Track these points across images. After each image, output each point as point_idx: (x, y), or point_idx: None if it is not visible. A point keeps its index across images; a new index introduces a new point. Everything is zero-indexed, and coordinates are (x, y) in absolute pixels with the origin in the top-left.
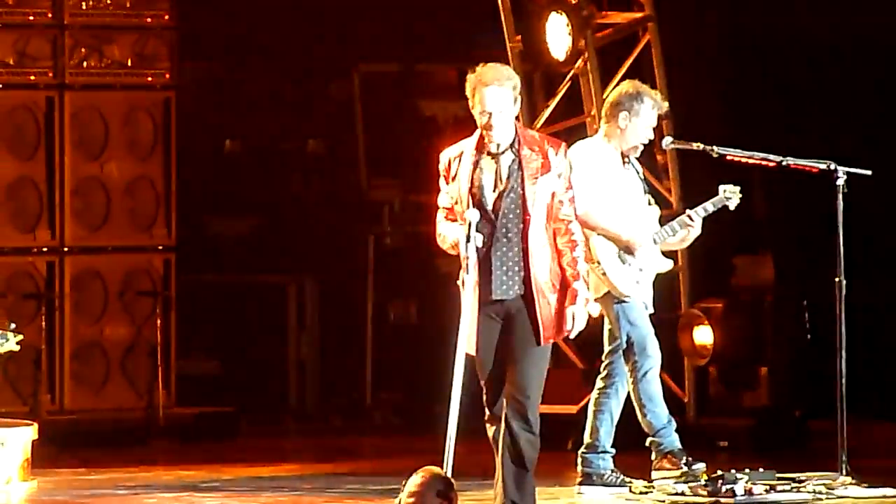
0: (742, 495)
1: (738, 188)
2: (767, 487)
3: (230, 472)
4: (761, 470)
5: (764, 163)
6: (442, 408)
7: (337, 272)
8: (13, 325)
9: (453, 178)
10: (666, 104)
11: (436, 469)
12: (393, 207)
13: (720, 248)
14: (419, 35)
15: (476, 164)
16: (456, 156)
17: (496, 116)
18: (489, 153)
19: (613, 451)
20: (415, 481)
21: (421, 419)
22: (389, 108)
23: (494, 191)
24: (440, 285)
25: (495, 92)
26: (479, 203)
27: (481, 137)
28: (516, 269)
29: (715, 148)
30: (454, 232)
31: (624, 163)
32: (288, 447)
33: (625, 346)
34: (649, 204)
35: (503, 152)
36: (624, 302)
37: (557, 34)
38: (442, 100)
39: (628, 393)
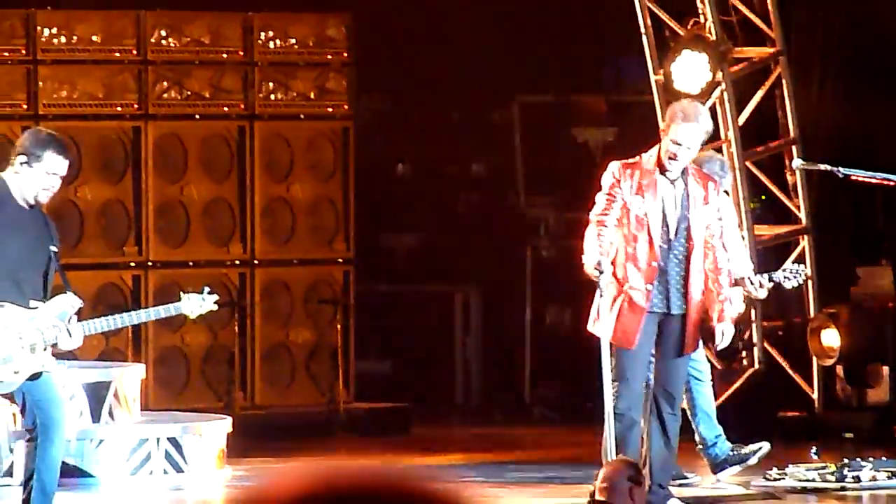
0: (866, 481)
1: (805, 270)
2: (889, 474)
3: (403, 461)
4: (884, 459)
5: (885, 182)
6: (595, 402)
7: (498, 281)
8: (207, 289)
9: (639, 189)
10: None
11: (625, 458)
12: (548, 223)
13: (844, 259)
14: (572, 68)
15: (655, 185)
16: (628, 172)
17: (684, 151)
18: (668, 179)
19: (720, 434)
20: (607, 469)
21: (576, 413)
22: (545, 135)
23: (673, 214)
24: (591, 292)
25: (692, 129)
26: (660, 222)
27: (659, 161)
28: (681, 287)
29: (840, 169)
30: (593, 255)
31: None
32: (455, 439)
33: None
34: None
35: (675, 180)
36: None
37: (697, 67)
38: (592, 127)
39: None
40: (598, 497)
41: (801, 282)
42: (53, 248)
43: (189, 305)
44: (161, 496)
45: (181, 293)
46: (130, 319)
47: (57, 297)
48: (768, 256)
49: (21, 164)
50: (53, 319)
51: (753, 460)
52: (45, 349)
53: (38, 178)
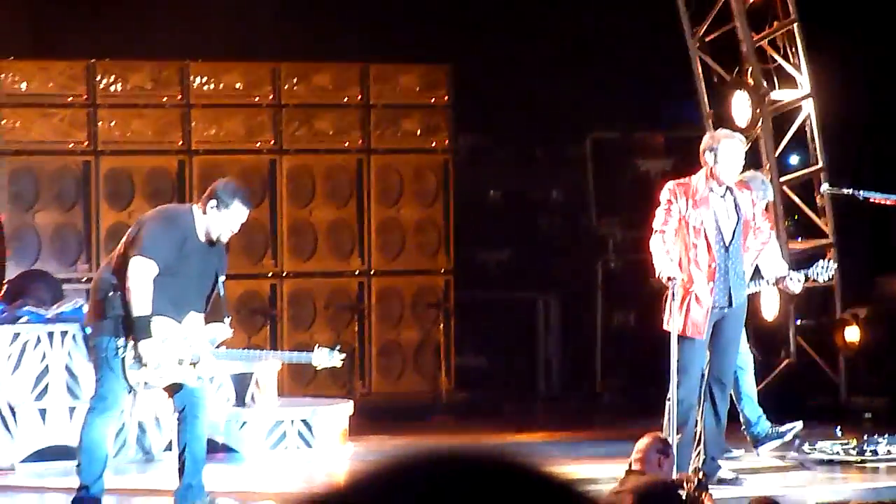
0: (883, 455)
1: (834, 266)
2: None
3: (496, 439)
4: None
5: None
6: (656, 390)
7: (574, 290)
8: (339, 347)
9: (694, 204)
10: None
11: (657, 433)
12: (616, 240)
13: (865, 268)
14: (635, 109)
15: (707, 199)
16: (681, 189)
17: (736, 166)
18: (717, 193)
19: (761, 415)
20: (640, 443)
21: (639, 399)
22: (613, 165)
23: (726, 221)
24: (652, 298)
25: (741, 149)
26: (715, 229)
27: (707, 179)
28: (736, 284)
29: (861, 192)
30: (663, 262)
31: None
32: (538, 421)
33: None
34: None
35: (723, 195)
36: None
37: (741, 107)
38: (652, 158)
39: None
40: (633, 466)
41: (831, 276)
42: (221, 278)
43: (318, 358)
44: (294, 468)
45: (316, 347)
46: (265, 356)
47: (213, 323)
48: (801, 266)
49: (211, 207)
50: (204, 342)
51: (788, 437)
52: (189, 364)
53: (225, 221)
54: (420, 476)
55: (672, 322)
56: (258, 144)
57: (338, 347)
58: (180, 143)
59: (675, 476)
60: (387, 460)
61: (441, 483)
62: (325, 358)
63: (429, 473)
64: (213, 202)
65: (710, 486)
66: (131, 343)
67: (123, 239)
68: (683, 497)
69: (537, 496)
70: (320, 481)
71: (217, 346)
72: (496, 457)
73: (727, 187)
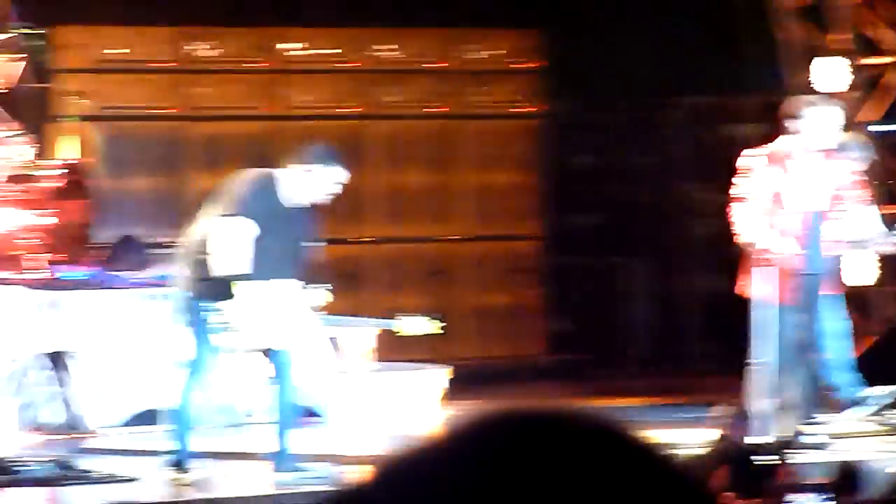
0: None
1: None
2: None
3: (588, 403)
4: None
5: None
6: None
7: (665, 255)
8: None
9: (783, 170)
10: None
11: (739, 402)
12: (708, 204)
13: None
14: (728, 74)
15: (799, 166)
16: (769, 156)
17: (827, 132)
18: (808, 160)
19: (854, 380)
20: (718, 409)
21: (731, 365)
22: (706, 130)
23: (811, 186)
24: (744, 260)
25: (832, 114)
26: (800, 194)
27: (797, 145)
28: (821, 248)
29: None
30: (748, 227)
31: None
32: (629, 386)
33: None
34: None
35: (814, 160)
36: None
37: (833, 71)
38: (744, 123)
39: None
40: (722, 433)
41: None
42: (316, 242)
43: (407, 325)
44: (388, 433)
45: (404, 313)
46: (358, 322)
47: (307, 287)
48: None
49: (305, 171)
50: (298, 306)
51: (882, 402)
52: (282, 328)
53: (318, 185)
54: (509, 436)
55: (755, 287)
56: (348, 110)
57: (427, 314)
58: (272, 108)
59: (749, 442)
60: (475, 418)
61: (531, 444)
62: (414, 325)
63: (517, 434)
64: (306, 166)
65: (796, 450)
66: (223, 306)
67: (214, 202)
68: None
69: (631, 462)
70: (414, 446)
71: (311, 311)
72: (589, 420)
73: (818, 152)
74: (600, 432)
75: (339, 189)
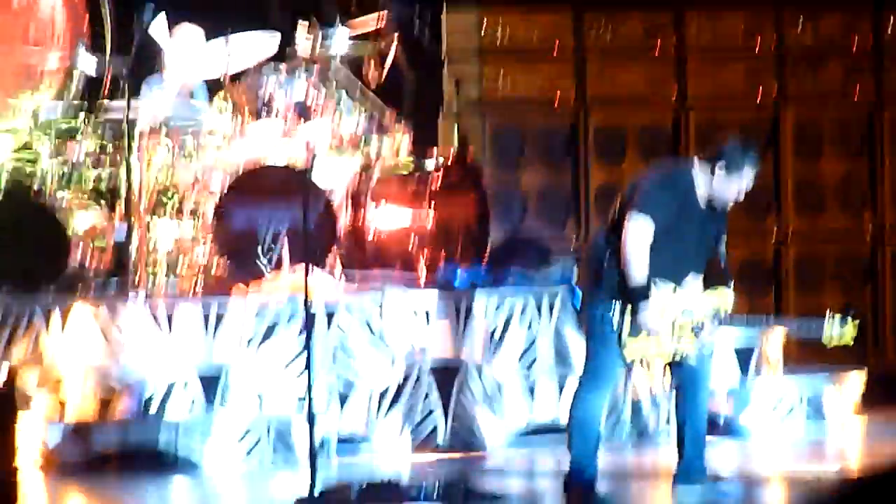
0: None
1: None
2: None
3: None
4: None
5: None
6: None
7: None
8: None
9: None
10: None
11: None
12: None
13: None
14: None
15: None
16: None
17: None
18: None
19: None
20: None
21: None
22: None
23: None
24: None
25: None
26: None
27: None
28: None
29: None
30: None
31: None
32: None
33: None
34: None
35: None
36: None
37: None
38: None
39: None
40: None
41: None
42: (723, 238)
43: (831, 329)
44: (801, 444)
45: (828, 314)
46: (770, 324)
47: (714, 289)
48: None
49: (719, 168)
50: (705, 309)
51: None
52: (690, 334)
53: (733, 186)
54: None
55: None
56: (758, 97)
57: (850, 314)
58: (675, 96)
59: None
60: None
61: None
62: (838, 329)
63: None
64: (722, 163)
65: None
66: (628, 312)
67: (619, 199)
68: None
69: None
70: (830, 458)
71: (719, 314)
72: None
73: None
74: None
75: (752, 185)
